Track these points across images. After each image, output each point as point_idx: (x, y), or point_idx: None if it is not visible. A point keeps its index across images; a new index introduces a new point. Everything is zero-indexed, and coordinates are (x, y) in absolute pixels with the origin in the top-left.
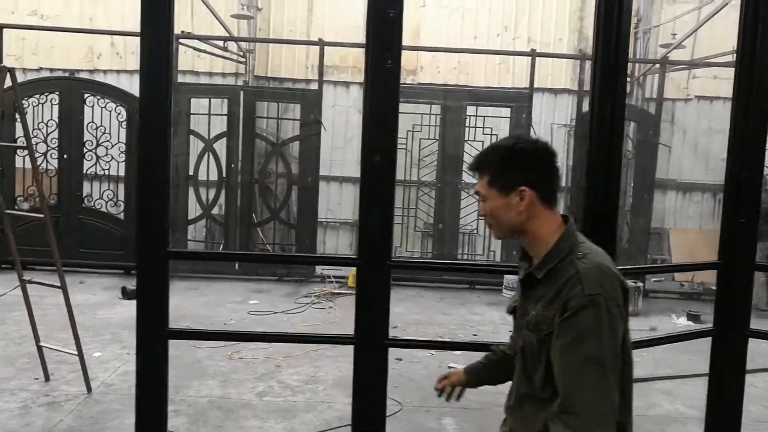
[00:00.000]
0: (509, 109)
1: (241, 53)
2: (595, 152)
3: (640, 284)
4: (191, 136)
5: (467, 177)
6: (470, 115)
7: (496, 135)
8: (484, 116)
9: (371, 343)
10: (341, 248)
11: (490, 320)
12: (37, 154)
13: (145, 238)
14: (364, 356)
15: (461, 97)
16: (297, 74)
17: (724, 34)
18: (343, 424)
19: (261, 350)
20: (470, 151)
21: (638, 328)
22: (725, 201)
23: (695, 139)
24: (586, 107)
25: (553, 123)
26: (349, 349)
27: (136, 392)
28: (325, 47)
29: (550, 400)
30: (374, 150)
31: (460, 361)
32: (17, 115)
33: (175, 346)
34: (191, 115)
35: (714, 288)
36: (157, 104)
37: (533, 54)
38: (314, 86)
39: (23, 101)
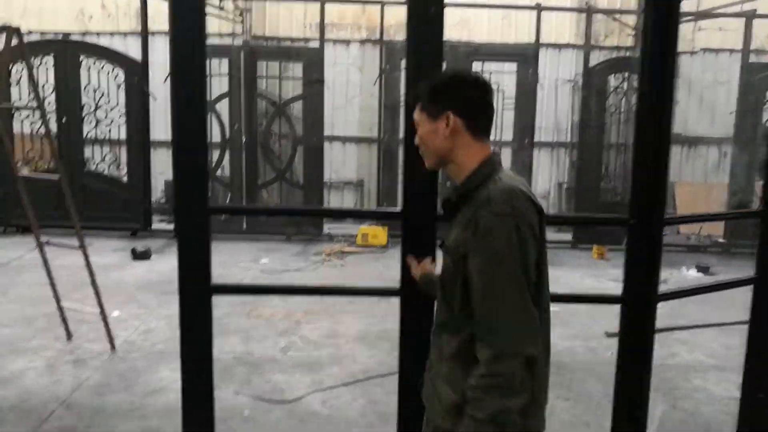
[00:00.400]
0: (515, 65)
1: (238, 12)
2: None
3: None
4: None
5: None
6: (476, 71)
7: (503, 92)
8: (490, 72)
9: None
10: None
11: None
12: (35, 118)
13: (185, 195)
14: (409, 307)
15: (466, 53)
16: (295, 33)
17: None
18: (369, 377)
19: (279, 308)
20: None
21: None
22: None
23: (701, 92)
24: (593, 61)
25: (558, 78)
26: (367, 305)
27: (180, 349)
28: (325, 4)
29: (466, 324)
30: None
31: None
32: (22, 78)
33: None
34: None
35: (721, 240)
36: (192, 63)
37: (539, 8)
38: (314, 45)
39: (17, 64)
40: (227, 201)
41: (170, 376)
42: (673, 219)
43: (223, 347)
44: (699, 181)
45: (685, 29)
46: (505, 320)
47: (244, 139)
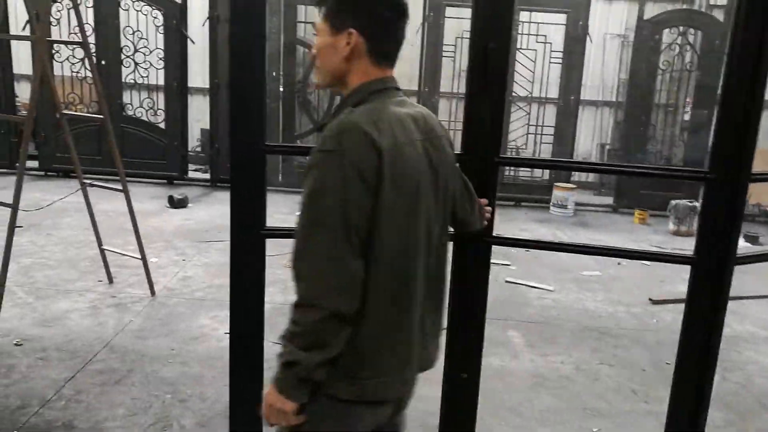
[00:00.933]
0: (564, 16)
1: None
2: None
3: (696, 203)
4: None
5: (517, 89)
6: (523, 21)
7: (550, 44)
8: (538, 23)
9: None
10: None
11: (541, 236)
12: (75, 60)
13: (241, 134)
14: (461, 252)
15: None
16: None
17: None
18: None
19: None
20: (522, 60)
21: (693, 247)
22: None
23: None
24: (648, 14)
25: (607, 33)
26: None
27: (231, 295)
28: None
29: None
30: (487, 36)
31: (516, 275)
32: (61, 19)
33: (225, 254)
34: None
35: None
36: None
37: None
38: None
39: (54, 4)
40: None
41: (210, 324)
42: (762, 175)
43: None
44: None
45: None
46: (309, 267)
47: (281, 89)
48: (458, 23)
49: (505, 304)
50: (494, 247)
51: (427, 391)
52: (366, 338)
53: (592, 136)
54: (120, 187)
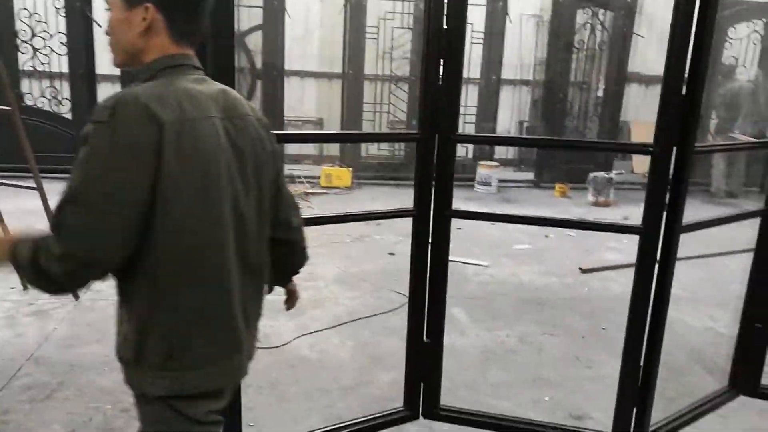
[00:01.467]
0: None
1: None
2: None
3: (612, 175)
4: None
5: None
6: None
7: (471, 24)
8: None
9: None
10: (305, 148)
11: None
12: None
13: None
14: (424, 227)
15: None
16: None
17: None
18: (354, 318)
19: None
20: None
21: (612, 217)
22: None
23: (662, 31)
24: None
25: (523, 13)
26: (340, 247)
27: None
28: None
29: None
30: (442, 18)
31: (452, 253)
32: None
33: None
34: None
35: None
36: None
37: None
38: None
39: None
40: None
41: None
42: (705, 147)
43: None
44: (653, 120)
45: None
46: (63, 241)
47: None
48: (380, 4)
49: None
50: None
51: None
52: (171, 328)
53: (510, 113)
54: (31, 185)
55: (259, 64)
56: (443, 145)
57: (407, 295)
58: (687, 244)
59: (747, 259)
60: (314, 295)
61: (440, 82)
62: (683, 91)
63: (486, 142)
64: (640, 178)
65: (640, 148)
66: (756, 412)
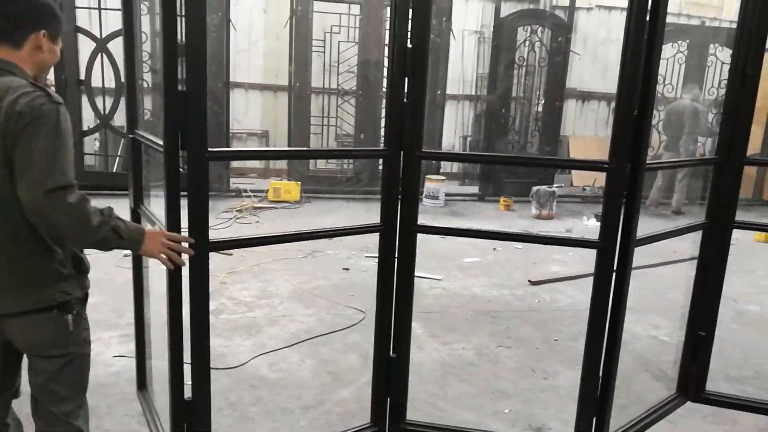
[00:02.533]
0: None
1: None
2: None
3: (554, 188)
4: (79, 35)
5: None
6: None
7: None
8: None
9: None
10: (250, 161)
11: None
12: None
13: None
14: (392, 242)
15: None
16: None
17: None
18: (312, 336)
19: None
20: None
21: (555, 229)
22: (728, 98)
23: (595, 48)
24: (503, 13)
25: (465, 29)
26: (293, 264)
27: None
28: None
29: None
30: (407, 36)
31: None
32: None
33: (99, 268)
34: (77, 9)
35: None
36: None
37: None
38: None
39: None
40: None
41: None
42: (656, 164)
43: (146, 313)
44: (590, 134)
45: None
46: None
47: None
48: (326, 17)
49: None
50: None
51: None
52: None
53: (454, 128)
54: None
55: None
56: (409, 161)
57: (364, 311)
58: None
59: (682, 269)
60: (270, 313)
61: (405, 99)
62: (635, 111)
63: (451, 159)
64: (579, 191)
65: (597, 165)
66: (702, 417)
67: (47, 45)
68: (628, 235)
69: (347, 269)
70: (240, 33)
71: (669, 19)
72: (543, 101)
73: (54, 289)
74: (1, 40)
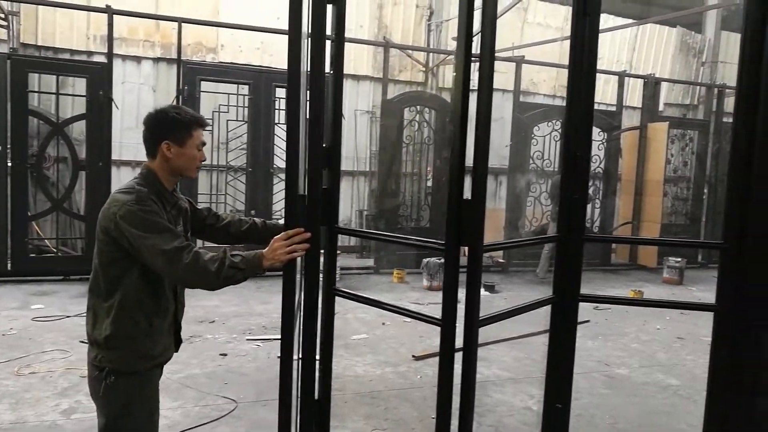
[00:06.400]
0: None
1: (2, 16)
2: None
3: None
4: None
5: (279, 161)
6: (280, 98)
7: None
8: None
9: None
10: None
11: None
12: None
13: None
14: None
15: (271, 78)
16: (77, 44)
17: (506, 33)
18: None
19: (58, 361)
20: (282, 134)
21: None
22: (563, 179)
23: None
24: (390, 94)
25: (357, 109)
26: None
27: None
28: (113, 15)
29: None
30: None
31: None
32: None
33: None
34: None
35: (501, 261)
36: None
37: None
38: (97, 59)
39: None
40: None
41: None
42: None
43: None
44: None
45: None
46: None
47: (9, 164)
48: (215, 97)
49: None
50: (261, 320)
51: None
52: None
53: (350, 203)
54: None
55: (82, 154)
56: (329, 235)
57: (236, 400)
58: (508, 326)
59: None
60: None
61: (324, 186)
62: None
63: (367, 236)
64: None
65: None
66: None
67: (174, 150)
68: (471, 315)
69: (225, 355)
70: (128, 111)
71: (543, 101)
72: (431, 176)
73: (98, 351)
74: (147, 154)
